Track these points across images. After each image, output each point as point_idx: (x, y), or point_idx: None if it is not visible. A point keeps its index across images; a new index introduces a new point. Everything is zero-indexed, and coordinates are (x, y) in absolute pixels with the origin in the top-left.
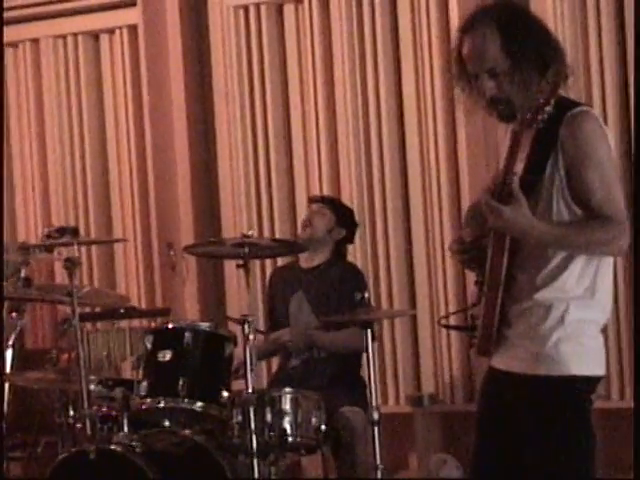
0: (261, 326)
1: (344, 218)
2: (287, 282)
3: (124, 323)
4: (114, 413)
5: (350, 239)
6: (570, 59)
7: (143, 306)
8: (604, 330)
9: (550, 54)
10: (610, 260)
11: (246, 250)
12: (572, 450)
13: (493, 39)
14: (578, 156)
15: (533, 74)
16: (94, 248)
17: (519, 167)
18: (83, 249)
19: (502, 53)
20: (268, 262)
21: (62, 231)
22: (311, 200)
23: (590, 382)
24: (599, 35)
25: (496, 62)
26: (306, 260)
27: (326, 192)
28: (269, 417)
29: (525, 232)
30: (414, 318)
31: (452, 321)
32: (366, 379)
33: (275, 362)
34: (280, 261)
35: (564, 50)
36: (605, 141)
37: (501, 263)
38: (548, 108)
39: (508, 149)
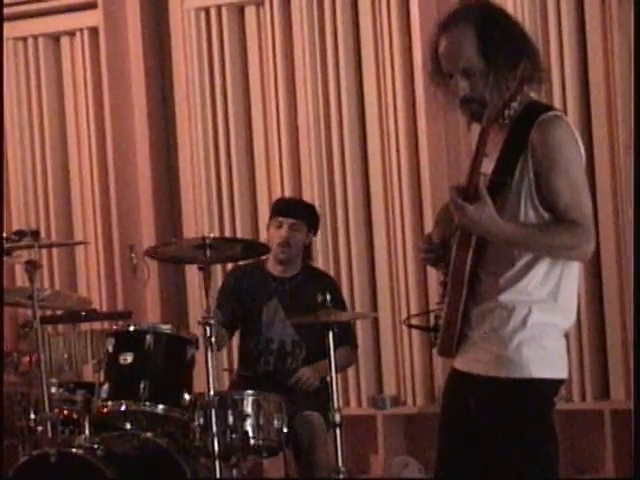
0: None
1: (314, 224)
2: (257, 288)
3: (85, 326)
4: (75, 416)
5: (315, 236)
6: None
7: (104, 309)
8: (565, 332)
9: (525, 58)
10: (575, 265)
11: (207, 252)
12: (535, 452)
13: (470, 40)
14: (547, 161)
15: (507, 76)
16: (55, 251)
17: (489, 168)
18: (44, 252)
19: (478, 54)
20: (229, 264)
21: (21, 234)
22: (280, 213)
23: (552, 385)
24: (559, 33)
25: (471, 62)
26: (279, 269)
27: (287, 192)
28: (231, 419)
29: (489, 231)
30: (376, 320)
31: (416, 322)
32: (328, 381)
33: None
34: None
35: (539, 53)
36: (575, 146)
37: (465, 262)
38: (514, 104)
39: (475, 146)
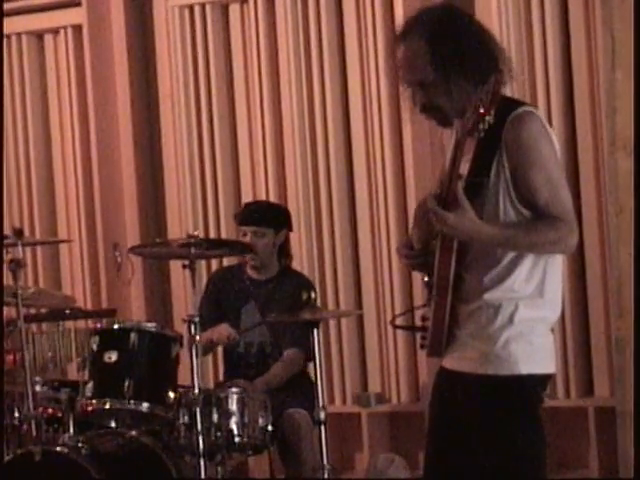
0: None
1: (280, 223)
2: (236, 291)
3: (69, 324)
4: (60, 414)
5: (290, 232)
6: (514, 60)
7: (89, 307)
8: (552, 326)
9: (486, 60)
10: (559, 258)
11: (192, 250)
12: (523, 449)
13: (421, 52)
14: (522, 157)
15: (463, 83)
16: (39, 249)
17: (464, 168)
18: (28, 250)
19: (430, 66)
20: (214, 262)
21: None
22: (241, 222)
23: (540, 380)
24: (543, 35)
25: (424, 74)
26: (255, 272)
27: (272, 191)
28: (216, 417)
29: (472, 237)
30: (360, 318)
31: (402, 322)
32: (313, 379)
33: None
34: (226, 261)
35: (504, 53)
36: (549, 141)
37: (449, 266)
38: (489, 118)
39: (451, 157)
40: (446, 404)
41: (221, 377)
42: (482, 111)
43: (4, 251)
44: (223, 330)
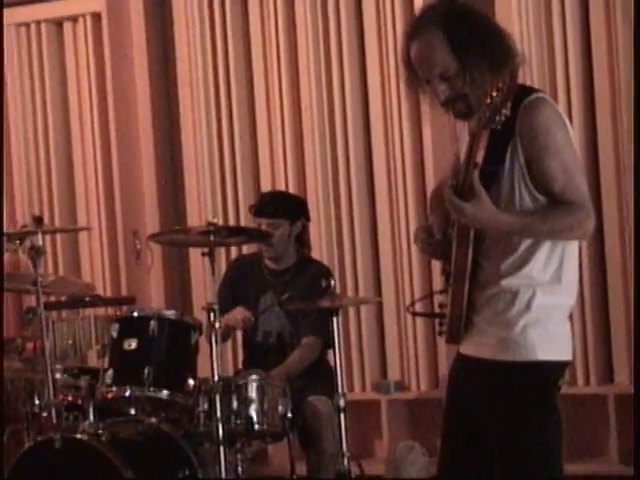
0: None
1: (296, 214)
2: (254, 280)
3: (89, 312)
4: (80, 402)
5: (308, 222)
6: (534, 58)
7: (108, 294)
8: (569, 317)
9: (499, 50)
10: (575, 244)
11: (211, 238)
12: (539, 435)
13: (440, 44)
14: (536, 144)
15: (484, 70)
16: (59, 237)
17: (479, 157)
18: (47, 238)
19: (450, 57)
20: (233, 250)
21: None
22: (256, 214)
23: (557, 367)
24: (564, 33)
25: (445, 66)
26: (274, 262)
27: (291, 179)
28: (235, 405)
29: (489, 226)
30: (380, 305)
31: (420, 308)
32: (332, 366)
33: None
34: (245, 249)
35: (513, 42)
36: (562, 126)
37: (466, 255)
38: (505, 111)
39: (467, 148)
40: (463, 390)
41: (240, 366)
42: (499, 104)
43: (4, 248)
44: (238, 313)
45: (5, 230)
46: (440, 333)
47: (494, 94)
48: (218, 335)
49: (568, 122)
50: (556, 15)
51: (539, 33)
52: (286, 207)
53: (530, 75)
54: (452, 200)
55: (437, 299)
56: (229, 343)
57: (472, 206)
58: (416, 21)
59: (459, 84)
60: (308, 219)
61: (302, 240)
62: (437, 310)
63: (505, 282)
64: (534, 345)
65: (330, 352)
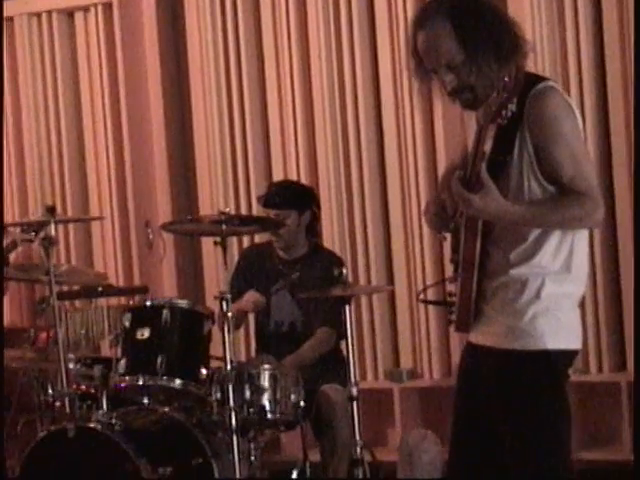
0: None
1: (304, 204)
2: (266, 269)
3: (102, 301)
4: (93, 391)
5: (318, 211)
6: (547, 56)
7: (121, 284)
8: (582, 304)
9: (507, 40)
10: (585, 233)
11: (223, 227)
12: (548, 424)
13: (446, 34)
14: (545, 133)
15: (491, 61)
16: (71, 226)
17: (487, 146)
18: (60, 227)
19: (457, 46)
20: (245, 239)
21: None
22: (264, 204)
23: (566, 356)
24: (575, 17)
25: (452, 56)
26: (285, 252)
27: (302, 167)
28: (248, 394)
29: (498, 217)
30: (392, 294)
31: (430, 296)
32: (345, 354)
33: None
34: (257, 238)
35: (522, 32)
36: (571, 115)
37: (475, 244)
38: (511, 106)
39: (474, 141)
40: (472, 378)
41: (253, 355)
42: (505, 98)
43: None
44: (249, 297)
45: (18, 220)
46: (450, 322)
47: (501, 88)
48: (231, 324)
49: (577, 110)
50: (568, 4)
51: (551, 22)
52: (293, 197)
53: (542, 64)
54: (459, 192)
55: (449, 287)
56: (241, 332)
57: (480, 198)
58: (423, 11)
59: (465, 75)
60: (318, 207)
61: (313, 229)
62: (447, 298)
63: (514, 271)
64: (543, 334)
65: (342, 341)
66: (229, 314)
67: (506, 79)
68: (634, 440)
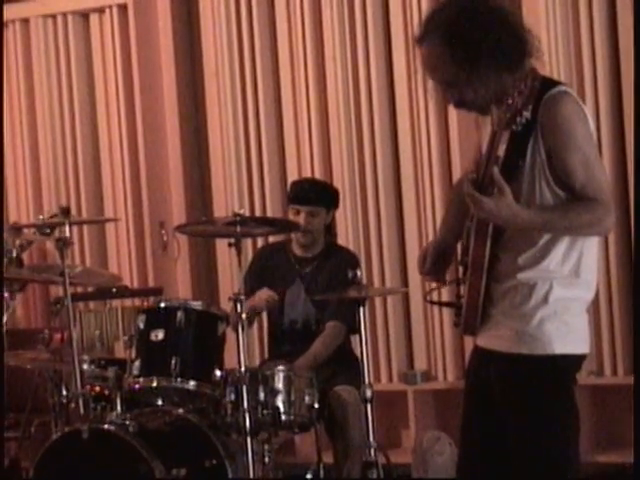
0: None
1: (332, 202)
2: (281, 268)
3: (116, 303)
4: (107, 393)
5: (335, 211)
6: (562, 58)
7: (135, 285)
8: (596, 307)
9: (514, 48)
10: (595, 239)
11: (238, 229)
12: (556, 430)
13: (441, 53)
14: (558, 139)
15: (498, 72)
16: (86, 228)
17: (500, 150)
18: (75, 229)
19: (453, 65)
20: (260, 240)
21: (66, 212)
22: (297, 201)
23: (574, 360)
24: (590, 19)
25: (449, 74)
26: (301, 249)
27: (317, 168)
28: (262, 395)
29: (509, 221)
30: (406, 295)
31: (443, 297)
32: (359, 356)
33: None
34: (272, 240)
35: (530, 34)
36: (584, 121)
37: (484, 247)
38: (526, 113)
39: (488, 145)
40: (480, 381)
41: (266, 355)
42: (520, 106)
43: (4, 243)
44: (262, 294)
45: (33, 221)
46: (456, 324)
47: (516, 95)
48: (245, 325)
49: (589, 115)
50: (583, 7)
51: (565, 24)
52: (325, 195)
53: (556, 67)
54: (472, 194)
55: (453, 289)
56: (255, 334)
57: (492, 201)
58: (423, 26)
59: (466, 90)
60: (337, 207)
61: (331, 228)
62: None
63: (522, 275)
64: (551, 338)
65: (356, 342)
66: (243, 316)
67: (522, 86)
68: (635, 443)
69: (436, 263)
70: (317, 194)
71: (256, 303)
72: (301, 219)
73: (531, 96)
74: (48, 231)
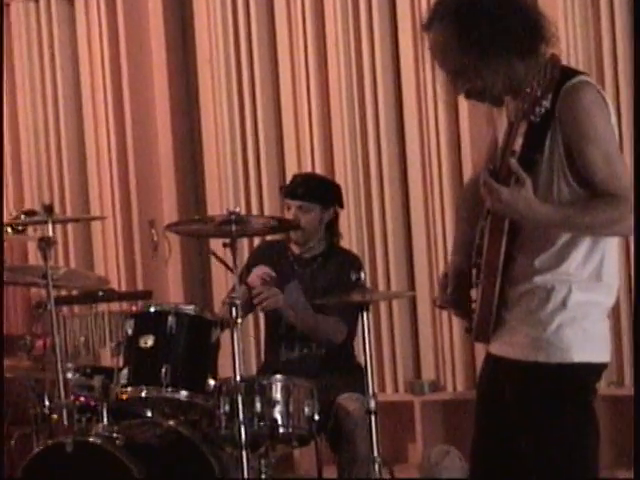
0: None
1: (329, 199)
2: (279, 268)
3: (103, 307)
4: (93, 403)
5: (340, 210)
6: (581, 56)
7: (123, 288)
8: (617, 313)
9: (526, 35)
10: (616, 241)
11: (233, 228)
12: (574, 442)
13: (450, 40)
14: (578, 132)
15: (510, 59)
16: (70, 226)
17: (517, 144)
18: (58, 228)
19: (462, 52)
20: (256, 240)
21: (31, 214)
22: (287, 195)
23: (594, 369)
24: (611, 6)
25: (458, 61)
26: (301, 249)
27: (318, 164)
28: (259, 406)
29: (526, 216)
30: (413, 300)
31: None
32: (362, 364)
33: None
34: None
35: (545, 19)
36: (605, 113)
37: (499, 248)
38: (545, 103)
39: (504, 139)
40: (493, 391)
41: (263, 362)
42: (538, 96)
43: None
44: (257, 270)
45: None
46: (468, 330)
47: (534, 84)
48: (240, 331)
49: (611, 106)
50: (604, 8)
51: (584, 13)
52: (319, 191)
53: (575, 57)
54: (490, 183)
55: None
56: (252, 340)
57: (509, 192)
58: (430, 12)
59: (477, 79)
60: (341, 206)
61: (333, 229)
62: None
63: (539, 278)
64: (569, 345)
65: (359, 349)
66: (239, 321)
67: (541, 74)
68: (635, 453)
69: (457, 289)
70: (309, 189)
71: (251, 281)
72: (291, 214)
73: (551, 85)
74: (21, 229)
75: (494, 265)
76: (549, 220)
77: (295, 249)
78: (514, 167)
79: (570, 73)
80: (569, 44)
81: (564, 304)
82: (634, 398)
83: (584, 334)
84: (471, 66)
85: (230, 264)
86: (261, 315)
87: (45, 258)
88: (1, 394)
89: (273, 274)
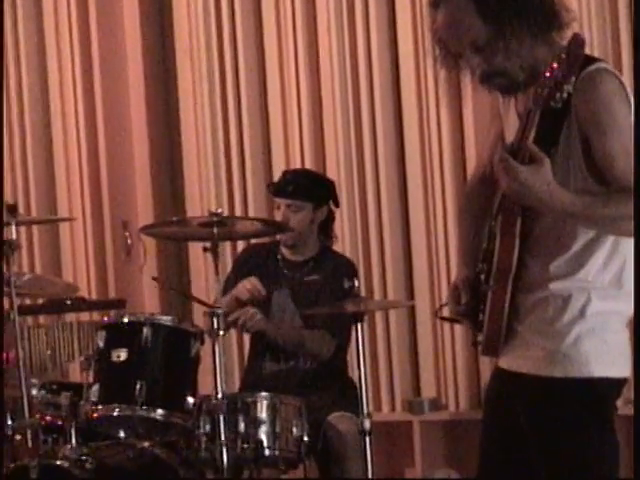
0: None
1: (321, 197)
2: (267, 273)
3: (71, 317)
4: (60, 422)
5: (335, 209)
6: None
7: (94, 297)
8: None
9: (542, 11)
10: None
11: (215, 231)
12: (592, 464)
13: (466, 10)
14: (595, 122)
15: (523, 36)
16: (36, 228)
17: (530, 136)
18: (23, 230)
19: (480, 22)
20: (240, 244)
21: None
22: (275, 193)
23: (614, 385)
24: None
25: (475, 33)
26: (290, 251)
27: (308, 161)
28: (242, 426)
29: (543, 200)
30: (412, 310)
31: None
32: (356, 381)
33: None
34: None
35: (562, 1)
36: (625, 103)
37: (511, 251)
38: (568, 86)
39: (519, 130)
40: (502, 410)
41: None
42: (560, 78)
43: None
44: (246, 283)
45: None
46: (474, 343)
47: (555, 65)
48: (222, 345)
49: (632, 95)
50: None
51: (601, 15)
52: (310, 188)
53: (590, 42)
54: (506, 159)
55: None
56: (235, 354)
57: (528, 171)
58: None
59: (494, 56)
60: (336, 205)
61: (326, 229)
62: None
63: (555, 285)
64: (589, 359)
65: (353, 365)
66: (221, 333)
67: (562, 55)
68: (635, 453)
69: (473, 299)
70: (299, 186)
71: (239, 292)
72: (280, 214)
73: (574, 66)
74: None
75: (506, 270)
76: (569, 207)
77: (285, 252)
78: (531, 147)
79: (588, 59)
80: (582, 22)
81: (582, 314)
82: (634, 399)
83: (604, 346)
84: (491, 38)
85: (212, 269)
86: None
87: (8, 263)
88: (1, 395)
89: (263, 292)
